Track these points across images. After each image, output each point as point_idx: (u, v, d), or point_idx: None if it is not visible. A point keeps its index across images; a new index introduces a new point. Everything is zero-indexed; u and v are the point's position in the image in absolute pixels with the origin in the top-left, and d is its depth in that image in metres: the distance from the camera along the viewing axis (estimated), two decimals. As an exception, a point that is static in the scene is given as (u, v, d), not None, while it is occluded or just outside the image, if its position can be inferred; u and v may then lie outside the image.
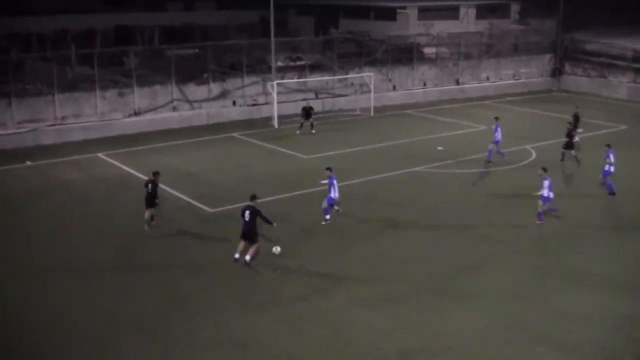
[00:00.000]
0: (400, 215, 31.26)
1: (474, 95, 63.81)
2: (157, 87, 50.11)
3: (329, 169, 30.13)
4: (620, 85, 64.67)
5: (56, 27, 64.13)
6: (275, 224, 25.88)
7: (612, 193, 33.94)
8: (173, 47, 53.58)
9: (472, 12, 75.38)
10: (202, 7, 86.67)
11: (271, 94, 51.27)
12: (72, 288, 24.10)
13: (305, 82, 55.54)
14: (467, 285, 24.14)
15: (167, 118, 49.80)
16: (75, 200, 33.89)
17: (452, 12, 74.71)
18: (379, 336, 20.58)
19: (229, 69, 53.99)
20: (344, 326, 21.24)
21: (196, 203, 33.00)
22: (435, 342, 20.30)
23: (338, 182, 29.81)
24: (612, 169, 33.98)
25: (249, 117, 52.74)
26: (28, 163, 40.20)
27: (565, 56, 70.15)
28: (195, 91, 51.63)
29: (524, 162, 40.21)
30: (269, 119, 51.31)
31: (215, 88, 52.36)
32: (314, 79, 55.85)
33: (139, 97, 49.09)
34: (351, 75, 57.71)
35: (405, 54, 62.21)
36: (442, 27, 69.28)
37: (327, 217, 29.84)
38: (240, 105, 53.31)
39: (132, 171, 38.40)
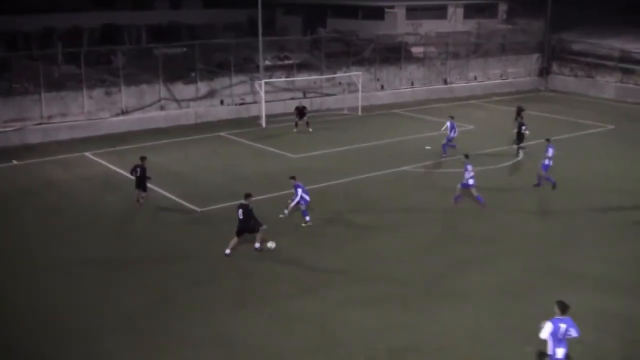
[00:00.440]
0: (389, 215, 31.24)
1: (462, 94, 63.88)
2: (145, 86, 49.92)
3: (292, 177, 30.02)
4: (607, 85, 64.87)
5: (42, 25, 63.87)
6: (264, 227, 26.33)
7: (539, 185, 34.72)
8: (160, 46, 53.38)
9: (460, 11, 75.47)
10: (189, 5, 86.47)
11: (259, 93, 51.16)
12: (60, 287, 23.98)
13: (293, 82, 55.46)
14: (457, 285, 24.12)
15: (155, 117, 49.63)
16: (62, 199, 33.72)
17: (440, 12, 74.78)
18: (369, 336, 20.53)
19: (217, 68, 53.84)
20: (334, 326, 21.19)
21: (184, 202, 32.88)
22: (425, 342, 20.27)
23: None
24: (550, 162, 34.40)
25: (236, 116, 52.64)
26: (14, 162, 39.97)
27: (553, 56, 70.33)
28: (183, 90, 51.48)
29: (512, 162, 40.25)
30: (257, 118, 51.23)
31: (202, 87, 52.22)
32: (302, 78, 55.79)
33: (126, 96, 48.90)
34: (339, 74, 57.67)
35: (393, 54, 62.21)
36: (430, 26, 69.33)
37: (307, 218, 29.76)
38: (228, 105, 53.19)
39: (119, 170, 38.21)
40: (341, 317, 21.76)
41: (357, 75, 55.77)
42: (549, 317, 21.56)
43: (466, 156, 32.66)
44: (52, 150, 42.80)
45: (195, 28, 71.43)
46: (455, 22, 74.44)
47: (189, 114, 50.85)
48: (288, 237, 28.29)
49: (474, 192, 32.23)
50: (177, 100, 51.15)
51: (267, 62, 55.08)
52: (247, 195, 26.56)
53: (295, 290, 23.65)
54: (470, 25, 72.99)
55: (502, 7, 79.29)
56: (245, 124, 50.29)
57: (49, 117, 46.10)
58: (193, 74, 52.15)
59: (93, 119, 47.55)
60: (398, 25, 70.67)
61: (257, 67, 52.77)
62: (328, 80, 57.41)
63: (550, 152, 34.39)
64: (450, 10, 75.10)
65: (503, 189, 35.13)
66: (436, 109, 56.88)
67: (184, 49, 55.21)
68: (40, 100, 45.70)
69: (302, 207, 29.66)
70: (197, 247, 27.55)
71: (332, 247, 27.42)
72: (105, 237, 28.61)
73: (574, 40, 69.29)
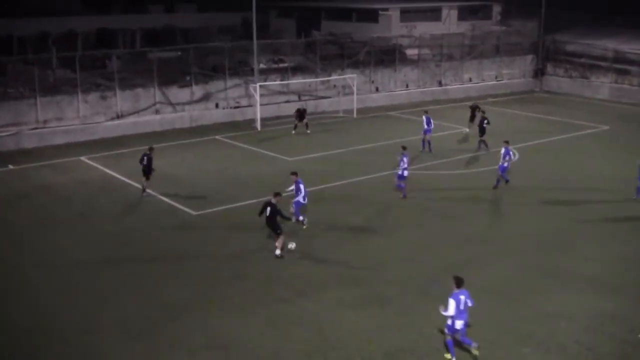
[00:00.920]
0: (385, 217, 31.29)
1: (456, 96, 63.98)
2: (140, 90, 49.93)
3: (294, 173, 30.16)
4: (601, 86, 65.05)
5: (37, 30, 63.81)
6: (293, 220, 27.92)
7: (497, 186, 35.05)
8: (155, 50, 53.37)
9: (454, 13, 75.66)
10: (184, 9, 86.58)
11: (254, 96, 51.20)
12: (54, 290, 24.00)
13: (287, 84, 55.52)
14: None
15: (150, 121, 49.63)
16: (58, 203, 33.71)
17: (434, 14, 74.97)
18: (365, 337, 20.57)
19: (212, 71, 53.85)
20: (329, 328, 21.22)
21: (180, 206, 32.90)
22: (421, 343, 20.31)
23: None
24: (508, 165, 34.94)
25: (231, 119, 52.65)
26: (10, 167, 39.97)
27: (547, 57, 70.49)
28: (178, 94, 51.49)
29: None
30: (252, 121, 51.23)
31: (197, 91, 52.23)
32: (297, 81, 55.85)
33: (121, 100, 48.90)
34: (334, 77, 57.71)
35: (388, 56, 62.31)
36: (424, 28, 69.49)
37: (301, 218, 29.82)
38: (223, 108, 53.21)
39: (115, 174, 38.25)
40: (337, 318, 21.80)
41: (351, 77, 55.84)
42: (544, 318, 21.75)
43: (404, 148, 34.18)
44: (48, 154, 42.79)
45: (189, 31, 71.49)
46: (450, 24, 74.61)
47: (184, 118, 50.88)
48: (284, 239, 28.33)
49: (403, 182, 33.67)
50: (172, 104, 51.16)
51: (262, 65, 55.14)
52: (276, 194, 26.88)
53: (291, 292, 23.67)
54: (465, 27, 73.21)
55: (496, 9, 79.52)
56: (240, 127, 50.32)
57: (45, 121, 46.07)
58: (188, 78, 52.16)
59: (88, 123, 47.56)
60: (392, 27, 70.83)
61: (252, 70, 52.82)
62: (323, 82, 57.45)
63: (508, 154, 34.68)
64: (444, 12, 75.30)
65: (499, 190, 35.16)
66: (431, 111, 56.79)
67: (179, 53, 55.24)
68: (35, 105, 45.70)
69: (293, 208, 29.74)
70: (192, 250, 27.57)
71: (327, 249, 27.45)
72: (100, 241, 28.61)
73: (568, 41, 69.46)
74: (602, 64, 65.64)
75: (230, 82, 53.45)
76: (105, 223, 30.81)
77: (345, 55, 60.13)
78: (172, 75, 52.01)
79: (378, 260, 26.43)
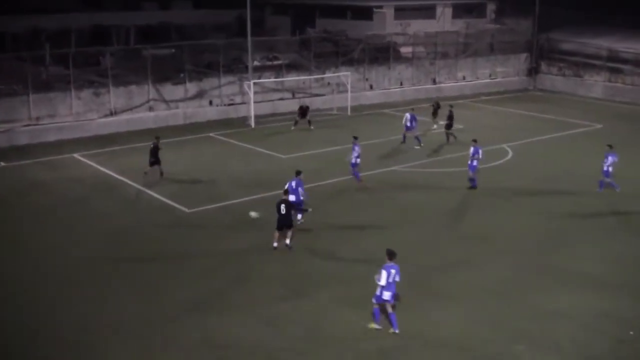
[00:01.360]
0: (379, 215, 31.27)
1: (450, 94, 63.86)
2: (133, 87, 49.80)
3: (298, 173, 30.02)
4: (595, 85, 65.09)
5: (30, 26, 63.62)
6: (310, 209, 28.51)
7: (474, 186, 34.78)
8: (149, 47, 53.20)
9: (449, 11, 75.66)
10: (178, 6, 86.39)
11: (248, 93, 51.14)
12: (51, 289, 23.92)
13: (282, 82, 55.44)
14: (447, 285, 24.16)
15: (144, 118, 49.51)
16: (51, 200, 33.60)
17: (428, 12, 74.96)
18: (359, 336, 20.56)
19: (206, 68, 53.75)
20: (323, 326, 21.21)
21: (173, 203, 32.83)
22: (414, 341, 20.31)
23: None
24: (478, 163, 34.65)
25: (225, 116, 52.55)
26: (2, 164, 39.84)
27: (541, 55, 70.51)
28: (172, 91, 51.38)
29: (501, 161, 40.33)
30: (246, 118, 51.16)
31: (191, 88, 52.13)
32: (291, 79, 55.76)
33: (114, 97, 48.77)
34: (328, 74, 57.66)
35: (382, 54, 62.25)
36: (418, 26, 69.45)
37: (299, 216, 29.80)
38: (217, 105, 53.12)
39: (108, 171, 38.16)
40: (331, 317, 21.78)
41: (346, 75, 55.82)
42: (539, 316, 21.77)
43: (355, 138, 35.74)
44: (41, 151, 42.66)
45: (184, 29, 71.33)
46: (444, 22, 74.61)
47: (177, 115, 50.76)
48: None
49: (357, 169, 35.11)
50: (166, 101, 51.05)
51: (256, 63, 55.05)
52: (287, 192, 27.54)
53: (286, 291, 23.64)
54: (459, 25, 73.18)
55: (491, 7, 79.55)
56: (234, 125, 50.23)
57: (37, 118, 45.93)
58: (182, 75, 52.07)
59: (82, 120, 47.40)
60: (387, 25, 70.79)
61: (246, 67, 52.72)
62: (317, 80, 57.39)
63: (476, 152, 34.46)
64: (438, 10, 75.30)
65: (493, 188, 35.18)
66: (425, 108, 56.85)
67: (173, 50, 55.12)
68: (28, 102, 45.54)
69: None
70: (186, 248, 27.52)
71: (322, 247, 27.43)
72: (94, 238, 28.54)
73: (562, 39, 69.48)
74: (596, 62, 65.67)
75: (224, 80, 53.34)
76: (99, 220, 30.72)
77: (340, 53, 60.06)
78: (166, 72, 51.88)
79: (373, 258, 26.26)
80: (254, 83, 51.18)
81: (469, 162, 34.75)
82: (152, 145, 36.77)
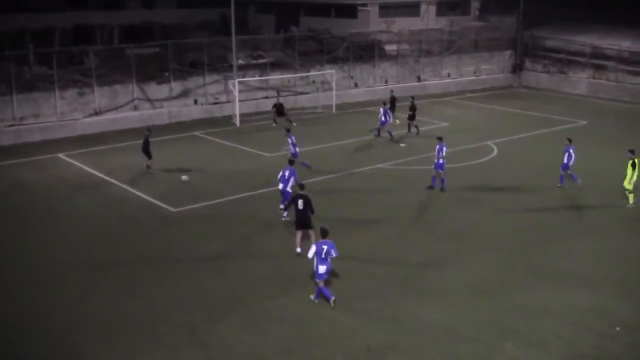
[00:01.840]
0: (364, 212, 31.28)
1: (435, 91, 64.06)
2: (118, 87, 49.63)
3: (291, 162, 30.74)
4: (579, 81, 65.34)
5: (13, 26, 63.21)
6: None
7: (443, 188, 34.40)
8: (133, 46, 53.02)
9: (433, 9, 75.62)
10: (162, 5, 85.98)
11: (233, 92, 51.06)
12: (36, 290, 23.80)
13: (266, 80, 55.40)
14: (434, 282, 24.20)
15: (128, 117, 49.33)
16: (36, 201, 33.44)
17: (412, 9, 74.88)
18: (346, 333, 20.57)
19: (190, 67, 53.64)
20: (310, 324, 21.20)
21: (158, 202, 32.74)
22: (402, 339, 20.32)
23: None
24: (444, 162, 34.25)
25: (210, 115, 52.48)
26: (-13, 164, 39.71)
27: (526, 52, 70.76)
28: (157, 90, 51.24)
29: (486, 158, 40.43)
30: (231, 117, 51.08)
31: (176, 87, 52.02)
32: (276, 77, 55.71)
33: (99, 96, 48.60)
34: (312, 72, 57.65)
35: (367, 51, 62.32)
36: (403, 24, 69.38)
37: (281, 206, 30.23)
38: (202, 104, 53.02)
39: (93, 171, 38.02)
40: (318, 315, 21.76)
41: (330, 73, 55.82)
42: (525, 313, 21.85)
43: (288, 130, 37.33)
44: (25, 151, 42.46)
45: (168, 28, 71.04)
46: (428, 20, 74.57)
47: (162, 114, 50.60)
48: (262, 236, 28.29)
49: (299, 160, 35.90)
50: (150, 100, 50.91)
51: (241, 61, 54.93)
52: (302, 186, 26.93)
53: (272, 289, 23.61)
54: (443, 22, 73.21)
55: (475, 4, 79.58)
56: (219, 124, 50.14)
57: (21, 118, 45.69)
58: (166, 74, 51.95)
59: (66, 120, 47.21)
60: (371, 23, 70.69)
61: (231, 66, 52.64)
62: (302, 78, 57.38)
63: (441, 150, 34.02)
64: (422, 7, 75.25)
65: (478, 185, 35.29)
66: (410, 106, 56.97)
67: (157, 49, 54.92)
68: (11, 102, 45.30)
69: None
70: (172, 248, 27.46)
71: (307, 246, 27.35)
72: (78, 238, 28.43)
73: (546, 36, 69.74)
74: (580, 59, 65.96)
75: (209, 78, 53.26)
76: (84, 220, 30.62)
77: (324, 51, 60.08)
78: (151, 71, 51.72)
79: (359, 256, 26.40)
80: (239, 82, 51.08)
81: (436, 161, 34.24)
82: (143, 139, 37.88)
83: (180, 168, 38.38)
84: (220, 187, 35.03)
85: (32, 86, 47.21)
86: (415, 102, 47.72)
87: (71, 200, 33.59)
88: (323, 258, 22.02)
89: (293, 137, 36.71)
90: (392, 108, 48.52)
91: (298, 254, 26.03)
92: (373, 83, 61.80)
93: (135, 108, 50.19)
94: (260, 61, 57.52)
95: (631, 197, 31.95)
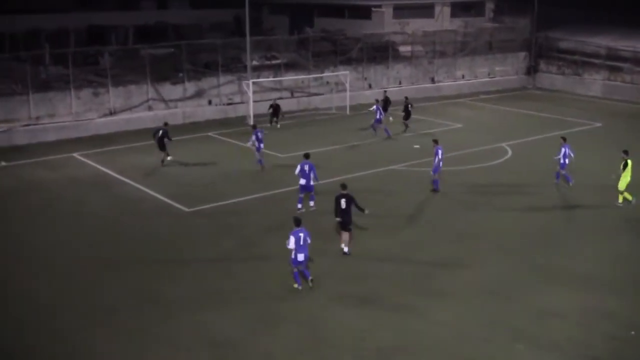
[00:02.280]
0: (376, 213, 31.21)
1: (449, 93, 63.95)
2: (132, 87, 49.83)
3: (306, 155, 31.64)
4: (594, 83, 65.06)
5: (29, 27, 63.51)
6: (367, 211, 26.88)
7: (437, 190, 34.40)
8: (147, 47, 53.23)
9: (447, 10, 75.51)
10: (176, 5, 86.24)
11: (246, 93, 51.13)
12: (48, 288, 23.95)
13: (280, 81, 55.46)
14: (445, 284, 24.18)
15: (143, 117, 49.49)
16: (51, 200, 33.64)
17: (427, 10, 74.77)
18: (357, 335, 20.59)
19: (204, 68, 53.78)
20: (321, 325, 21.24)
21: (172, 202, 32.85)
22: (413, 340, 20.33)
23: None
24: (441, 164, 34.10)
25: (224, 116, 52.60)
26: (2, 163, 39.85)
27: (540, 54, 70.50)
28: (171, 90, 51.42)
29: (500, 160, 40.36)
30: (245, 118, 51.15)
31: (190, 87, 52.17)
32: (289, 78, 55.76)
33: (113, 96, 48.80)
34: (326, 73, 57.67)
35: (381, 53, 62.26)
36: (417, 25, 69.32)
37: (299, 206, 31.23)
38: (216, 105, 53.15)
39: (108, 171, 38.18)
40: (329, 316, 21.80)
41: (344, 74, 55.82)
42: (536, 315, 21.81)
43: (254, 127, 38.66)
44: (40, 151, 42.69)
45: (181, 28, 71.20)
46: (442, 21, 74.48)
47: (176, 114, 50.73)
48: (275, 236, 28.30)
49: (260, 154, 37.87)
50: (164, 101, 51.08)
51: (255, 62, 55.02)
52: (344, 186, 27.07)
53: (284, 289, 23.65)
54: (457, 23, 73.10)
55: (489, 6, 79.41)
56: (232, 124, 50.21)
57: (37, 118, 45.96)
58: (180, 74, 52.10)
59: (81, 120, 47.43)
60: (385, 24, 70.65)
61: (245, 67, 52.72)
62: (315, 79, 57.41)
63: (438, 154, 33.94)
64: (437, 9, 75.15)
65: (492, 187, 35.24)
66: (423, 107, 56.92)
67: (171, 50, 55.09)
68: (27, 102, 45.57)
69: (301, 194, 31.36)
70: (184, 247, 27.55)
71: (320, 246, 27.39)
72: (92, 238, 28.57)
73: (560, 38, 69.47)
74: (595, 61, 65.66)
75: (222, 79, 53.39)
76: (97, 219, 30.77)
77: (338, 52, 60.10)
78: (165, 72, 51.89)
79: (370, 256, 26.42)
80: (253, 82, 51.18)
81: (435, 165, 34.07)
82: (160, 132, 38.76)
83: (194, 168, 38.50)
84: (234, 187, 35.11)
85: (47, 86, 47.51)
86: (409, 102, 48.49)
87: (85, 199, 33.74)
88: (302, 245, 23.22)
89: (260, 133, 37.75)
90: (385, 108, 49.32)
91: (345, 254, 26.48)
92: (387, 84, 61.70)
93: (150, 108, 50.36)
94: (274, 62, 57.59)
95: (621, 197, 32.28)
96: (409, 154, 41.34)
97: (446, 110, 56.13)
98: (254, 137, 37.56)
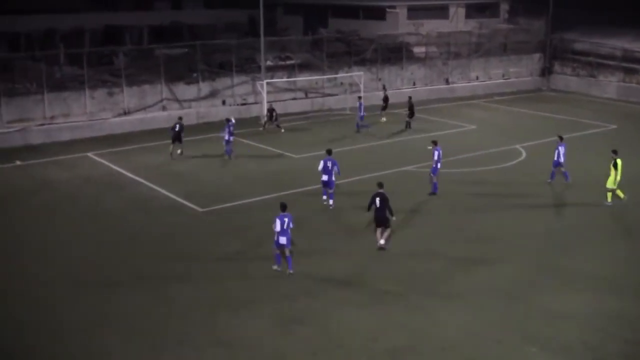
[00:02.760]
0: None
1: (463, 94, 63.83)
2: (146, 87, 49.98)
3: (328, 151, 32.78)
4: (609, 85, 64.82)
5: (44, 26, 63.82)
6: (394, 218, 27.38)
7: (435, 192, 34.24)
8: (162, 47, 53.39)
9: (462, 11, 75.40)
10: (190, 6, 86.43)
11: (261, 93, 51.21)
12: (61, 287, 24.01)
13: (294, 82, 55.50)
14: (458, 285, 24.13)
15: (157, 117, 49.61)
16: (65, 199, 33.77)
17: (441, 12, 74.68)
18: (369, 336, 20.56)
19: (218, 68, 53.88)
20: (334, 326, 21.22)
21: (186, 202, 32.92)
22: (425, 342, 20.29)
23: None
24: (439, 165, 33.93)
25: (238, 116, 52.33)
26: (17, 163, 40.04)
27: (555, 55, 70.27)
28: (185, 90, 51.54)
29: (514, 162, 40.27)
30: (259, 118, 51.22)
31: (204, 87, 52.28)
32: (303, 79, 55.81)
33: (128, 96, 48.95)
34: (340, 74, 57.68)
35: (395, 54, 62.21)
36: (431, 26, 69.26)
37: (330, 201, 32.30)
38: (230, 105, 53.24)
39: (122, 170, 38.31)
40: (342, 317, 21.78)
41: (358, 75, 55.80)
42: (549, 318, 21.73)
43: (227, 120, 40.67)
44: (55, 150, 42.87)
45: (196, 28, 71.35)
46: (457, 22, 74.36)
47: (190, 114, 50.76)
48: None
49: (229, 147, 40.25)
50: (179, 101, 51.20)
51: (269, 63, 55.09)
52: (381, 185, 27.59)
53: (297, 290, 23.67)
54: (472, 25, 72.95)
55: (504, 7, 79.23)
56: (246, 124, 50.25)
57: (52, 117, 46.15)
58: (195, 75, 52.22)
59: (95, 120, 47.61)
60: (399, 25, 70.61)
61: (259, 67, 52.78)
62: (329, 80, 57.43)
63: (437, 154, 33.74)
64: (451, 10, 75.05)
65: (506, 189, 35.17)
66: (437, 109, 56.91)
67: (186, 50, 55.22)
68: (42, 101, 45.77)
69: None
70: (198, 248, 27.59)
71: (333, 247, 27.45)
72: (105, 237, 28.64)
73: (575, 39, 69.25)
74: (610, 62, 65.40)
75: (237, 79, 53.50)
76: (111, 219, 30.86)
77: (352, 53, 60.10)
78: (179, 72, 52.06)
79: (383, 258, 26.41)
80: (267, 83, 51.23)
81: (433, 166, 33.95)
82: (177, 126, 40.42)
83: (207, 168, 38.60)
84: (248, 188, 35.14)
85: (62, 86, 47.69)
86: (413, 100, 49.71)
87: (99, 199, 33.85)
88: (284, 229, 24.41)
89: (232, 127, 40.02)
90: (385, 108, 51.16)
91: (380, 247, 26.98)
92: (401, 85, 61.66)
93: (164, 108, 50.49)
94: (288, 62, 57.64)
95: (609, 195, 32.46)
96: (422, 155, 41.16)
97: (460, 111, 56.05)
98: (227, 130, 39.94)
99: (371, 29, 67.58)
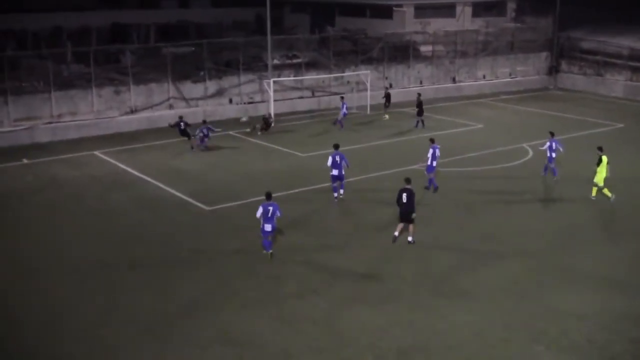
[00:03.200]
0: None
1: (470, 93, 63.80)
2: (153, 85, 50.06)
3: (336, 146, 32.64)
4: (616, 84, 64.69)
5: (51, 25, 63.95)
6: (414, 215, 27.38)
7: (428, 188, 34.42)
8: (169, 45, 53.45)
9: (469, 10, 75.28)
10: (197, 4, 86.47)
11: (267, 91, 51.22)
12: (67, 286, 24.06)
13: (301, 80, 55.51)
14: (465, 284, 24.11)
15: (164, 116, 49.60)
16: (71, 198, 33.82)
17: (448, 10, 74.58)
18: (377, 335, 20.56)
19: (225, 66, 53.91)
20: (341, 324, 21.22)
21: (193, 201, 32.96)
22: (433, 340, 20.28)
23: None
24: (434, 163, 34.06)
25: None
26: (24, 161, 40.13)
27: (562, 54, 70.15)
28: (192, 89, 51.61)
29: (521, 161, 40.21)
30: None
31: (211, 86, 52.32)
32: (310, 77, 55.82)
33: (135, 95, 49.03)
34: (347, 73, 57.67)
35: (402, 52, 62.19)
36: (438, 25, 69.19)
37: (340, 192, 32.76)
38: (237, 103, 53.28)
39: (129, 169, 38.36)
40: (348, 315, 21.78)
41: (365, 74, 55.78)
42: (556, 316, 21.70)
43: (204, 122, 42.64)
44: (62, 149, 42.96)
45: (203, 27, 71.38)
46: (464, 21, 74.26)
47: (197, 113, 50.82)
48: (294, 235, 28.34)
49: (206, 142, 42.13)
50: (185, 99, 51.26)
51: (276, 61, 55.10)
52: (409, 180, 27.68)
53: (304, 288, 23.68)
54: (479, 23, 72.87)
55: (511, 6, 79.09)
56: (253, 123, 50.23)
57: (59, 116, 46.26)
58: (202, 73, 52.27)
59: (102, 118, 47.71)
60: (406, 23, 70.55)
61: (266, 65, 52.82)
62: (336, 78, 57.44)
63: (437, 152, 33.89)
64: (458, 8, 74.94)
65: (513, 187, 35.12)
66: (444, 107, 56.86)
67: (193, 48, 55.26)
68: (49, 99, 45.88)
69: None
70: (205, 246, 27.61)
71: (340, 245, 27.44)
72: (112, 236, 28.68)
73: (582, 38, 69.13)
74: (617, 61, 65.27)
75: (244, 78, 53.54)
76: (118, 218, 30.90)
77: (359, 52, 60.10)
78: (186, 70, 52.13)
79: (390, 257, 26.40)
80: (274, 81, 51.25)
81: (428, 163, 34.07)
82: (182, 124, 42.60)
83: (214, 167, 38.63)
84: (254, 186, 35.11)
85: (69, 84, 47.79)
86: (422, 98, 49.72)
87: (105, 197, 33.90)
88: (269, 217, 25.40)
89: (205, 130, 41.95)
90: (387, 105, 52.18)
91: (395, 238, 27.56)
92: (407, 84, 61.63)
93: (171, 107, 50.55)
94: (295, 61, 57.65)
95: (595, 190, 32.86)
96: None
97: (467, 110, 55.99)
98: (204, 129, 42.03)
99: (378, 27, 67.53)
